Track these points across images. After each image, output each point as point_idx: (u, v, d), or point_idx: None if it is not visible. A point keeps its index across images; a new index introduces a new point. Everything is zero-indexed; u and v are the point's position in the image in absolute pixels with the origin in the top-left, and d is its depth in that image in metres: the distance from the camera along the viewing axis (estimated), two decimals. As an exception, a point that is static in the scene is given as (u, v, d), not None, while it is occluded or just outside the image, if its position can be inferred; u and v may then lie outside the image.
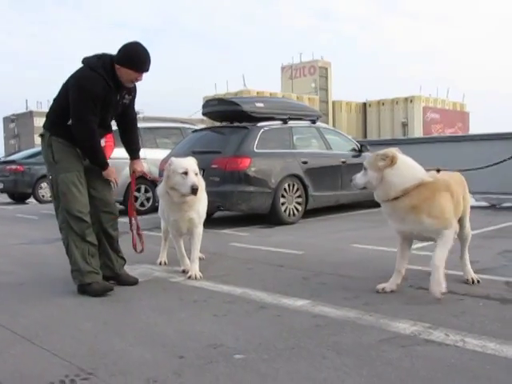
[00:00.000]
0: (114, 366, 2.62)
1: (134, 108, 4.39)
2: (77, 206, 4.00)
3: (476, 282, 4.01)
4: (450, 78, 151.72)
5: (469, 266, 4.13)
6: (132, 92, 4.22)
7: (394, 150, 3.74)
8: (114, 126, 4.36)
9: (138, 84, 4.21)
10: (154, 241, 6.09)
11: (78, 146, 4.01)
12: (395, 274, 3.94)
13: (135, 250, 4.50)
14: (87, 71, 3.93)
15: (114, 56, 3.98)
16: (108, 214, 4.25)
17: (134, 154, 4.42)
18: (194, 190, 4.30)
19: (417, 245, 5.62)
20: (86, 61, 4.00)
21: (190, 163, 4.43)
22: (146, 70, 4.03)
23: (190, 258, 4.62)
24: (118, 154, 8.19)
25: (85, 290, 4.00)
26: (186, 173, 4.34)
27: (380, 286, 3.92)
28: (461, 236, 4.07)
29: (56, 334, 3.15)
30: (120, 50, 3.97)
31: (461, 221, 4.00)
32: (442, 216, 3.65)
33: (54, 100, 4.13)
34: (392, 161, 3.65)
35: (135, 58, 3.94)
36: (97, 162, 4.10)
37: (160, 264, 5.03)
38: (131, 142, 4.41)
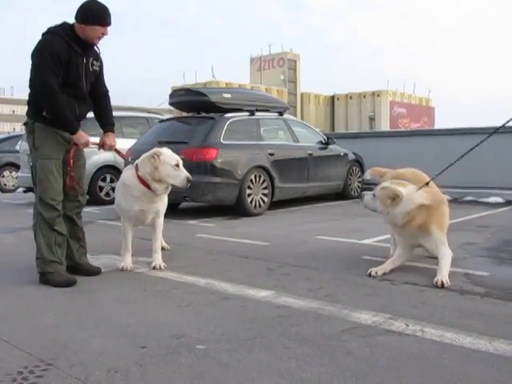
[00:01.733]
0: (75, 357, 2.58)
1: (104, 83, 4.33)
2: (50, 194, 3.96)
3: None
4: (417, 73, 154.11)
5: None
6: (98, 58, 4.19)
7: (401, 190, 4.04)
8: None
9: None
10: (119, 230, 6.02)
11: (45, 111, 3.91)
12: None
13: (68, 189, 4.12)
14: (46, 36, 3.92)
15: (73, 22, 3.96)
16: (75, 202, 4.23)
17: (106, 126, 4.31)
18: (189, 182, 4.38)
19: (380, 237, 5.72)
20: (45, 31, 3.97)
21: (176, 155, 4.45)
22: (110, 23, 4.05)
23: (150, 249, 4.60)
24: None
25: (47, 279, 3.95)
26: (177, 165, 4.34)
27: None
28: None
29: (15, 324, 3.10)
30: (80, 10, 3.95)
31: None
32: (442, 233, 4.10)
33: (30, 86, 4.04)
34: (399, 199, 4.02)
35: (99, 13, 3.96)
36: (64, 126, 3.98)
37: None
38: (104, 115, 4.32)
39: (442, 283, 3.78)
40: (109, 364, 2.49)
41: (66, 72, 3.90)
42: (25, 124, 4.12)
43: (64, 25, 3.99)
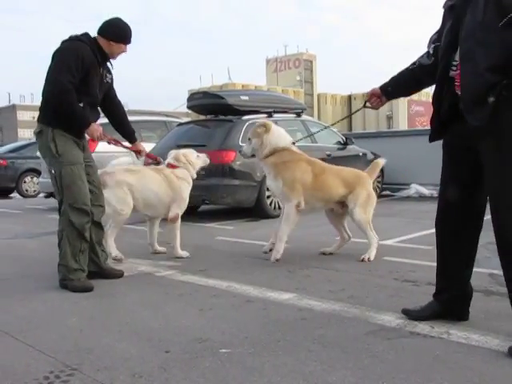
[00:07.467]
0: (99, 362, 2.60)
1: (116, 93, 4.45)
2: (82, 199, 3.97)
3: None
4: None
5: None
6: (110, 72, 4.30)
7: (268, 121, 4.88)
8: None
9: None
10: (139, 235, 6.06)
11: (56, 108, 3.88)
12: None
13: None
14: (72, 41, 4.00)
15: (97, 33, 4.11)
16: (99, 207, 4.26)
17: (131, 136, 4.53)
18: None
19: (401, 237, 5.67)
20: (68, 38, 4.03)
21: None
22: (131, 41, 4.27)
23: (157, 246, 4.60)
24: (102, 148, 8.15)
25: (65, 285, 3.98)
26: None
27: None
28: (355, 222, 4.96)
29: (40, 329, 3.13)
30: (110, 27, 4.11)
31: (349, 208, 4.90)
32: (290, 184, 4.61)
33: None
34: (266, 127, 4.68)
35: (126, 33, 4.18)
36: (76, 122, 3.99)
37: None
38: (125, 125, 4.49)
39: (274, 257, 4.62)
40: (133, 369, 2.50)
41: (86, 79, 3.93)
42: (39, 132, 4.02)
43: (88, 35, 4.07)
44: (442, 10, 2.99)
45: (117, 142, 4.48)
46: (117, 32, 4.11)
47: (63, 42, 4.02)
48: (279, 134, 4.77)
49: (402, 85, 3.32)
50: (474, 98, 2.63)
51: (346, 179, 4.93)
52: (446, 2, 2.95)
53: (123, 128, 4.48)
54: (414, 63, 3.20)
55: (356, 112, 4.14)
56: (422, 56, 3.18)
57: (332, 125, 5.30)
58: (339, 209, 5.02)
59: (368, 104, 3.53)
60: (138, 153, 4.59)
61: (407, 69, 3.24)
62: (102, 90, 4.17)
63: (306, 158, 4.87)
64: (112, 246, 4.79)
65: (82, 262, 4.04)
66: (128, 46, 4.22)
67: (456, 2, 2.80)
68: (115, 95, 4.43)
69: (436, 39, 3.04)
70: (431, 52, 3.06)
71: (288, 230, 4.66)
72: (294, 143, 4.86)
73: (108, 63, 4.24)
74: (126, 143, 4.59)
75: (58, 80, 3.83)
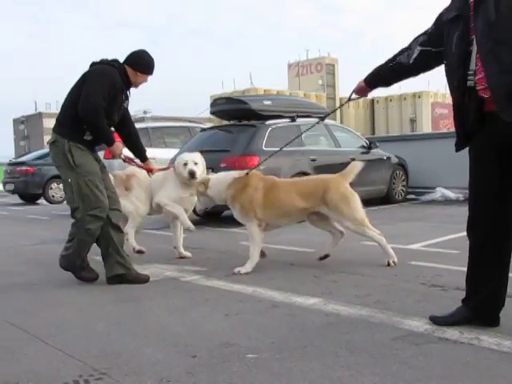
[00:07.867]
0: (127, 366, 2.62)
1: (130, 115, 4.71)
2: (100, 207, 4.15)
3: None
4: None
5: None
6: (128, 99, 4.49)
7: (206, 176, 5.03)
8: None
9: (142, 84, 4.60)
10: (164, 240, 6.11)
11: (84, 123, 4.10)
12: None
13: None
14: (107, 66, 4.23)
15: (125, 62, 4.34)
16: (116, 210, 4.37)
17: (144, 156, 4.73)
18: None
19: (427, 241, 5.61)
20: (99, 62, 4.27)
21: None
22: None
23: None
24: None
25: (67, 268, 4.35)
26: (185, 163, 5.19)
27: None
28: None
29: (69, 333, 3.16)
30: (138, 59, 4.38)
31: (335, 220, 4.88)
32: (246, 204, 4.64)
33: (67, 105, 4.22)
34: (205, 184, 4.78)
35: (151, 65, 4.46)
36: (103, 139, 4.28)
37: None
38: (140, 146, 4.71)
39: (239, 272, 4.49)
40: (161, 373, 2.51)
41: (111, 105, 4.15)
42: (53, 142, 4.21)
43: (118, 62, 4.31)
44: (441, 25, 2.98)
45: (131, 161, 4.75)
46: (143, 64, 4.40)
47: (94, 64, 4.25)
48: (218, 184, 4.77)
49: (383, 79, 3.49)
50: (506, 95, 2.62)
51: (306, 189, 4.81)
52: (444, 15, 2.96)
53: (136, 147, 4.69)
54: (392, 60, 3.27)
55: (345, 104, 4.48)
56: (402, 53, 3.21)
57: (323, 118, 5.25)
58: (314, 217, 4.93)
59: (353, 96, 3.77)
60: (150, 171, 4.81)
61: (386, 65, 3.33)
62: (118, 115, 4.36)
63: (257, 176, 4.83)
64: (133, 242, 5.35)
65: (86, 260, 4.37)
66: (150, 77, 4.50)
67: (463, 12, 2.79)
68: (130, 117, 4.65)
69: (424, 42, 3.06)
70: (415, 55, 3.08)
71: (258, 249, 4.63)
72: (247, 173, 4.79)
73: (128, 91, 4.43)
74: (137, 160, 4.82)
75: (93, 104, 4.04)
